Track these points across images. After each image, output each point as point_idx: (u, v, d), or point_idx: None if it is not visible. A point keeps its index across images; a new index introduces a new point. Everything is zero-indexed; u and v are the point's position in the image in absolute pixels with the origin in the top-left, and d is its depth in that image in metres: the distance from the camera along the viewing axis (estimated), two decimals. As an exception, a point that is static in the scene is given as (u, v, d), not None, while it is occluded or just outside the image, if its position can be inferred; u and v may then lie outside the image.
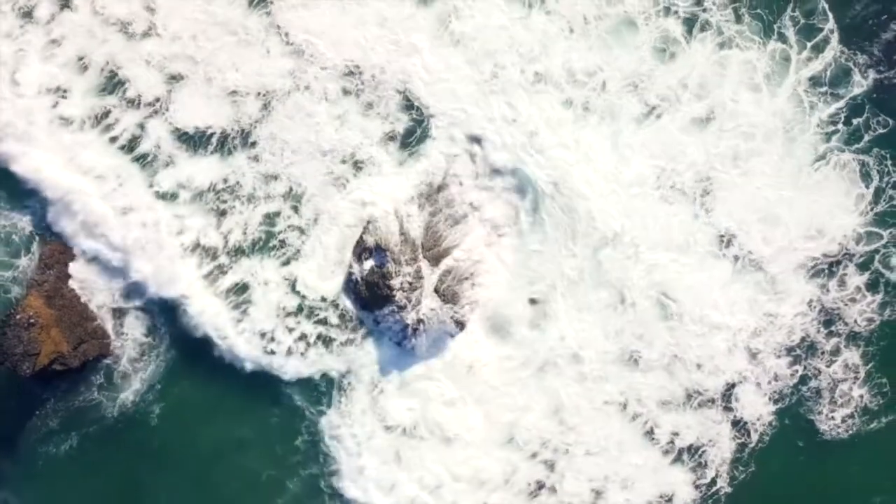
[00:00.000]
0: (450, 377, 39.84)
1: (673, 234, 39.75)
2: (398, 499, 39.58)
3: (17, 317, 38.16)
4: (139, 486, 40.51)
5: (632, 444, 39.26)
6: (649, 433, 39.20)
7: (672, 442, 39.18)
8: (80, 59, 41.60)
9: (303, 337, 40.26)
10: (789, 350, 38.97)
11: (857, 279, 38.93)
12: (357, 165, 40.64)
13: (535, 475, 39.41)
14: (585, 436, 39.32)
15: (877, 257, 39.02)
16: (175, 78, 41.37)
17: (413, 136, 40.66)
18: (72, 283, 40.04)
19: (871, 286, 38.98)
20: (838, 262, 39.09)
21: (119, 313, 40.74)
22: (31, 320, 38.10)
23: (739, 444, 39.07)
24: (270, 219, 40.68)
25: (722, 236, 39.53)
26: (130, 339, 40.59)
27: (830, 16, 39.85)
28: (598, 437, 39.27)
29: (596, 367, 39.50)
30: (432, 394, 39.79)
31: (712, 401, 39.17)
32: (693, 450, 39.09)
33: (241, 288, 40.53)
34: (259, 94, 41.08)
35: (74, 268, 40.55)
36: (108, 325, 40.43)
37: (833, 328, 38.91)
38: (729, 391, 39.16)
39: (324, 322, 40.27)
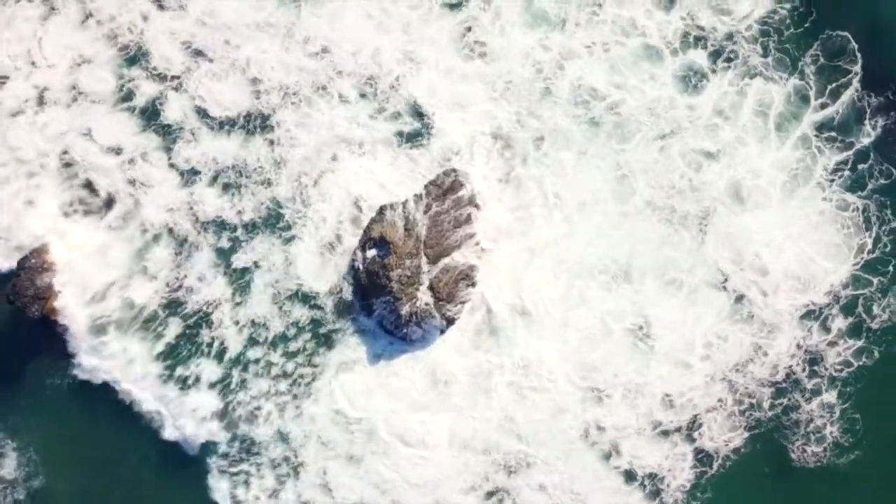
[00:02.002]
0: (425, 376, 40.63)
1: (666, 264, 40.20)
2: (348, 495, 40.20)
3: (32, 261, 40.15)
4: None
5: (591, 464, 39.42)
6: (608, 455, 39.35)
7: (631, 466, 39.23)
8: (111, 29, 43.80)
9: (295, 324, 41.49)
10: (772, 384, 39.01)
11: (840, 323, 39.00)
12: (367, 162, 42.08)
13: (490, 483, 39.72)
14: (543, 453, 39.58)
15: (860, 301, 39.11)
16: (199, 55, 43.33)
17: (424, 140, 41.93)
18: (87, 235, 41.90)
19: (854, 331, 39.01)
20: (827, 305, 39.25)
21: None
22: (44, 266, 40.10)
23: (700, 472, 38.90)
24: (277, 204, 42.10)
25: (716, 273, 39.80)
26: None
27: (859, 56, 40.31)
28: (556, 455, 39.50)
29: (567, 391, 39.83)
30: (402, 391, 40.57)
31: (678, 429, 39.23)
32: (653, 476, 39.10)
33: (244, 270, 42.01)
34: (279, 86, 42.76)
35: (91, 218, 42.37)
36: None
37: (817, 368, 38.96)
38: (698, 420, 39.11)
39: (318, 307, 41.45)
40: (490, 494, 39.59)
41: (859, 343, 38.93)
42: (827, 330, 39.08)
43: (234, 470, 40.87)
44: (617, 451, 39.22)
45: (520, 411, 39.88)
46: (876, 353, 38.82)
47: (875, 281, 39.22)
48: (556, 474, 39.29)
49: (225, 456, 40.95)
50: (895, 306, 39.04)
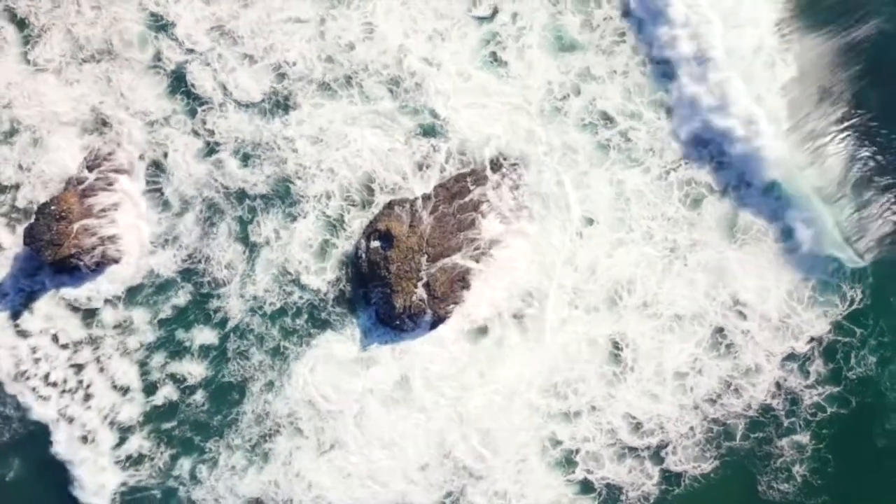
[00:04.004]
0: (404, 371, 41.35)
1: (647, 291, 40.69)
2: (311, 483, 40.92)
3: (52, 207, 41.74)
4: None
5: (549, 479, 39.78)
6: (567, 470, 39.74)
7: (588, 477, 39.57)
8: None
9: (293, 303, 42.73)
10: (747, 416, 39.01)
11: (819, 367, 38.90)
12: (381, 147, 43.48)
13: (449, 485, 40.14)
14: (501, 464, 39.98)
15: (839, 347, 38.98)
16: (225, 34, 45.61)
17: (437, 141, 43.20)
18: (105, 190, 43.62)
19: (832, 378, 38.87)
20: (808, 351, 39.15)
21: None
22: (63, 214, 41.71)
23: (665, 489, 39.03)
24: (288, 181, 43.72)
25: (698, 307, 40.17)
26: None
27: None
28: (513, 467, 39.87)
29: (535, 406, 40.31)
30: (380, 382, 41.30)
31: (647, 447, 39.45)
32: (612, 486, 39.42)
33: (252, 245, 43.49)
34: (302, 76, 44.67)
35: (114, 173, 44.18)
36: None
37: (795, 407, 38.90)
38: (667, 443, 39.31)
39: (317, 288, 42.66)
40: (449, 494, 40.07)
41: (836, 389, 38.83)
42: (806, 374, 39.08)
43: (206, 446, 41.96)
44: (575, 465, 39.59)
45: (485, 420, 40.41)
46: (853, 402, 38.62)
47: (858, 332, 39.08)
48: (511, 484, 39.60)
49: (199, 426, 42.17)
50: (870, 359, 38.81)
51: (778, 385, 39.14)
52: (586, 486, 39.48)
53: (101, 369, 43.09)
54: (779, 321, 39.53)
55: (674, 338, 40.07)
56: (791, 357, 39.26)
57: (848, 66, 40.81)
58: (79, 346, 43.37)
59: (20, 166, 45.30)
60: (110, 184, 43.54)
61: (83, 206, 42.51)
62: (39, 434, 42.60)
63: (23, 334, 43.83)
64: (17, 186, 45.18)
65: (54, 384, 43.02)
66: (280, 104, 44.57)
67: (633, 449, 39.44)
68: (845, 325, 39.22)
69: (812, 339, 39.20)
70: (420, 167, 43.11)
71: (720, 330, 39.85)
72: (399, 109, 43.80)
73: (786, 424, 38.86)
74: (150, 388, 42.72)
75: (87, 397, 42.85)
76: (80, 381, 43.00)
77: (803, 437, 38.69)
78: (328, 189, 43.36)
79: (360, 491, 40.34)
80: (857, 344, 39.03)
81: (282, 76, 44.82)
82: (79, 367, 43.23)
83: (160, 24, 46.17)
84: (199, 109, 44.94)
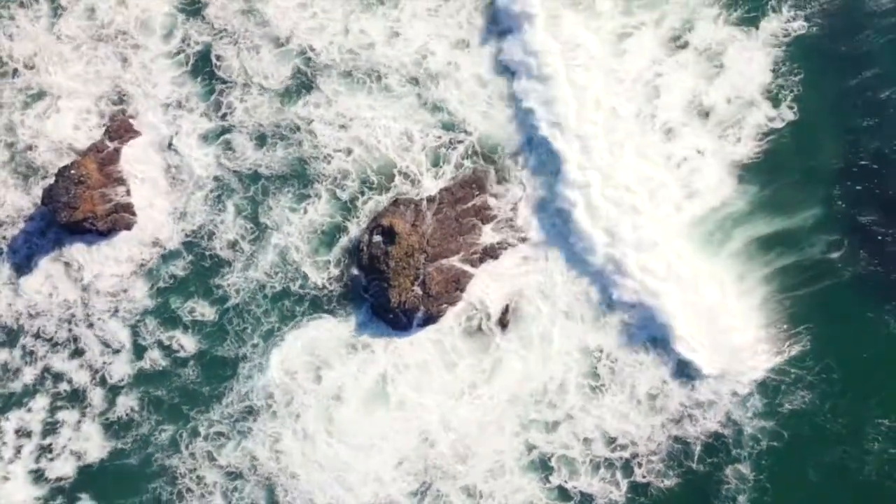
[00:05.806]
0: (388, 364, 42.36)
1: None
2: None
3: (71, 171, 42.69)
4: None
5: (520, 478, 40.75)
6: (542, 477, 40.52)
7: (566, 487, 40.41)
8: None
9: (295, 291, 43.85)
10: (704, 443, 39.57)
11: (757, 402, 39.50)
12: (396, 139, 44.75)
13: (423, 476, 41.14)
14: (475, 467, 40.88)
15: (773, 385, 39.52)
16: (251, 13, 46.83)
17: (449, 144, 44.30)
18: (124, 159, 44.67)
19: (767, 413, 39.44)
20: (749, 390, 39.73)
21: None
22: (82, 178, 42.65)
23: (631, 498, 39.76)
24: (303, 164, 44.98)
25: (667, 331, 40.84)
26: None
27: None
28: (488, 470, 40.75)
29: (514, 412, 41.03)
30: (366, 373, 42.38)
31: (619, 458, 40.19)
32: (584, 493, 40.27)
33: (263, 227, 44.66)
34: (324, 65, 45.90)
35: (132, 145, 45.16)
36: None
37: (741, 438, 39.39)
38: (636, 458, 40.13)
39: (317, 282, 43.87)
40: (421, 485, 41.04)
41: (770, 424, 39.41)
42: (746, 408, 39.72)
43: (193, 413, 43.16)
44: (551, 470, 40.49)
45: (463, 420, 41.37)
46: (785, 436, 39.22)
47: (792, 372, 39.72)
48: (482, 483, 40.65)
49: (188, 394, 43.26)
50: (804, 396, 39.40)
51: (727, 415, 39.75)
52: (563, 493, 40.43)
53: (91, 325, 44.22)
54: (724, 362, 40.28)
55: (650, 357, 40.96)
56: (735, 394, 40.01)
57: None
58: (75, 307, 44.40)
59: (38, 130, 46.11)
60: (128, 154, 44.42)
61: (101, 172, 43.39)
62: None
63: (24, 292, 44.90)
64: (33, 148, 45.95)
65: (50, 339, 44.23)
66: (301, 86, 45.62)
67: (606, 460, 40.37)
68: (781, 366, 40.13)
69: (755, 379, 39.90)
70: (436, 160, 44.31)
71: (684, 360, 40.54)
72: (419, 104, 44.89)
73: (734, 453, 39.60)
74: (140, 352, 44.01)
75: (78, 352, 44.10)
76: (74, 340, 44.26)
77: (746, 468, 39.33)
78: (342, 169, 44.43)
79: (334, 482, 41.33)
80: (790, 383, 39.69)
81: (306, 61, 45.85)
82: (70, 324, 44.52)
83: (190, 9, 47.08)
84: (218, 89, 45.97)
